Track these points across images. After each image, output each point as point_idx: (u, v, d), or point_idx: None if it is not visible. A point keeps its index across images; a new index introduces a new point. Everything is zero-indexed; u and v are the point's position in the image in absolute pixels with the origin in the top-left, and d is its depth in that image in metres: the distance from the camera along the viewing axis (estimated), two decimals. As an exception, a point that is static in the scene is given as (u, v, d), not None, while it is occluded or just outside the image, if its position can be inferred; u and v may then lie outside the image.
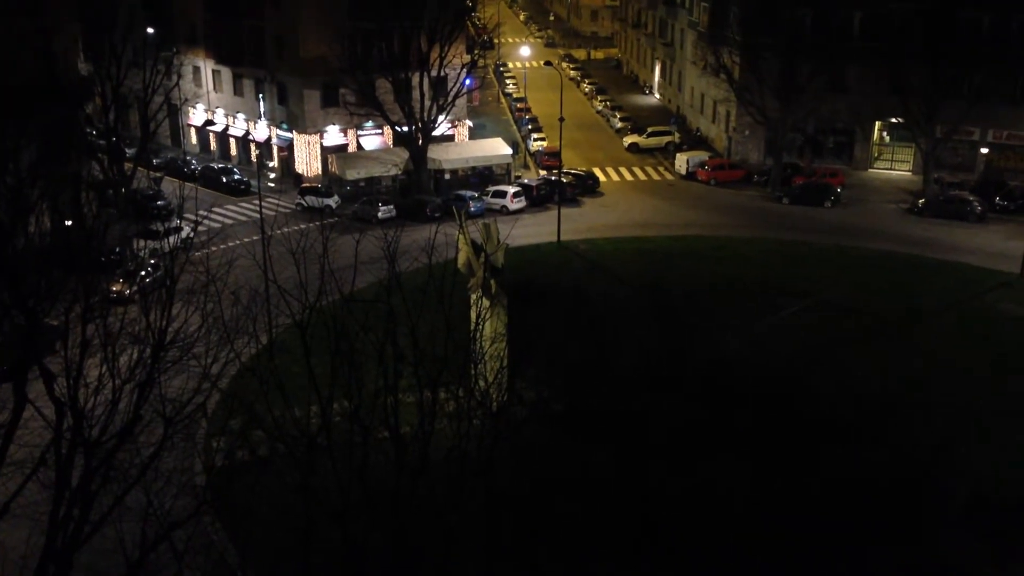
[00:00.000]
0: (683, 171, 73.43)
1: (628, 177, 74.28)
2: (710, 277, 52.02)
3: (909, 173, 72.16)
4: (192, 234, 33.20)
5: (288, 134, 70.45)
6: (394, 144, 69.61)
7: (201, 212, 46.74)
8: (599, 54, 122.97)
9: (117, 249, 48.18)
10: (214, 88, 75.17)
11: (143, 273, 44.25)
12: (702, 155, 74.58)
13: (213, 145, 77.21)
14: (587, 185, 69.01)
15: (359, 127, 70.60)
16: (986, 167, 69.34)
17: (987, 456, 34.62)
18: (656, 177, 74.17)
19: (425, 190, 66.03)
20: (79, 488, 17.34)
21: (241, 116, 73.52)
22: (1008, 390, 39.54)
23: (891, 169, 73.68)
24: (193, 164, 71.71)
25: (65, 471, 17.47)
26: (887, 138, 73.99)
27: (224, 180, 68.42)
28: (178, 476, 19.38)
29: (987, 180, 66.98)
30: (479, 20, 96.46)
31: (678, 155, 75.02)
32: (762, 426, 35.96)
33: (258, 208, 48.71)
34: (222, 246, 48.08)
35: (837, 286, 50.76)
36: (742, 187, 70.72)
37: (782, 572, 28.22)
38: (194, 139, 78.77)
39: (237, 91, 73.50)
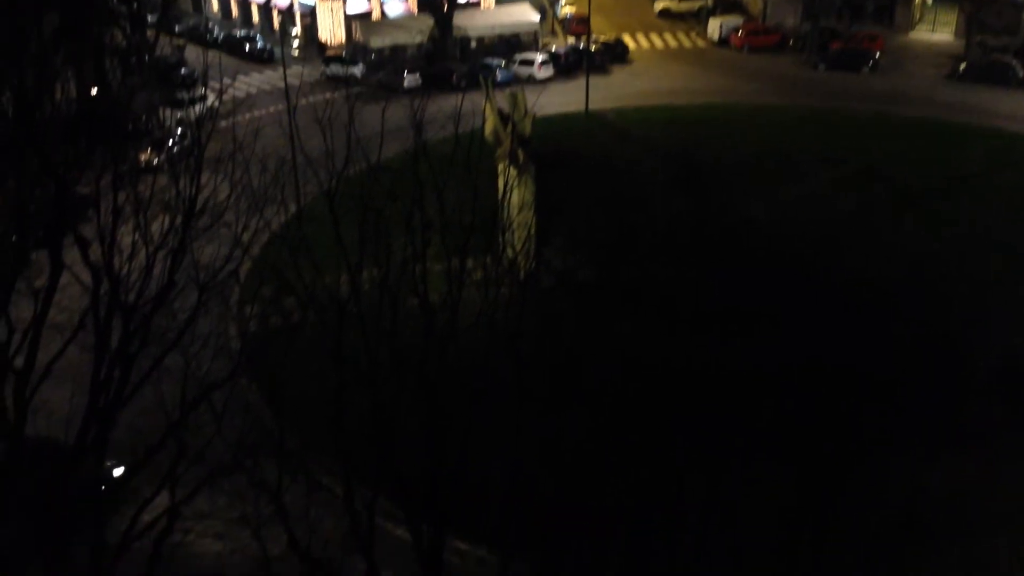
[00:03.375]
0: (716, 37, 71.36)
1: (659, 44, 72.38)
2: (741, 146, 51.28)
3: (951, 37, 69.71)
4: (217, 103, 33.00)
5: (310, 1, 68.91)
6: (419, 11, 68.02)
7: (225, 80, 46.30)
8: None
9: (143, 118, 48.12)
10: (234, -48, 73.45)
11: (171, 142, 44.26)
12: (736, 20, 72.32)
13: (235, 12, 75.77)
14: (616, 53, 67.43)
15: (383, -8, 68.99)
16: (1031, 30, 66.84)
17: (1018, 326, 34.68)
18: (688, 44, 72.20)
19: (451, 58, 64.82)
20: (118, 351, 17.85)
21: (263, -19, 71.96)
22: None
23: (933, 33, 71.17)
24: (215, 31, 70.57)
25: (104, 334, 17.94)
26: (929, 0, 71.24)
27: (247, 48, 67.45)
28: (214, 340, 19.83)
29: (1031, 44, 64.71)
30: None
31: (711, 20, 72.79)
32: (793, 294, 36.11)
33: (282, 77, 48.13)
34: (247, 115, 47.85)
35: (873, 154, 49.91)
36: (777, 53, 68.78)
37: (808, 437, 28.77)
38: (215, 6, 77.29)
39: (258, -46, 71.73)
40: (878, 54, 64.94)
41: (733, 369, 31.20)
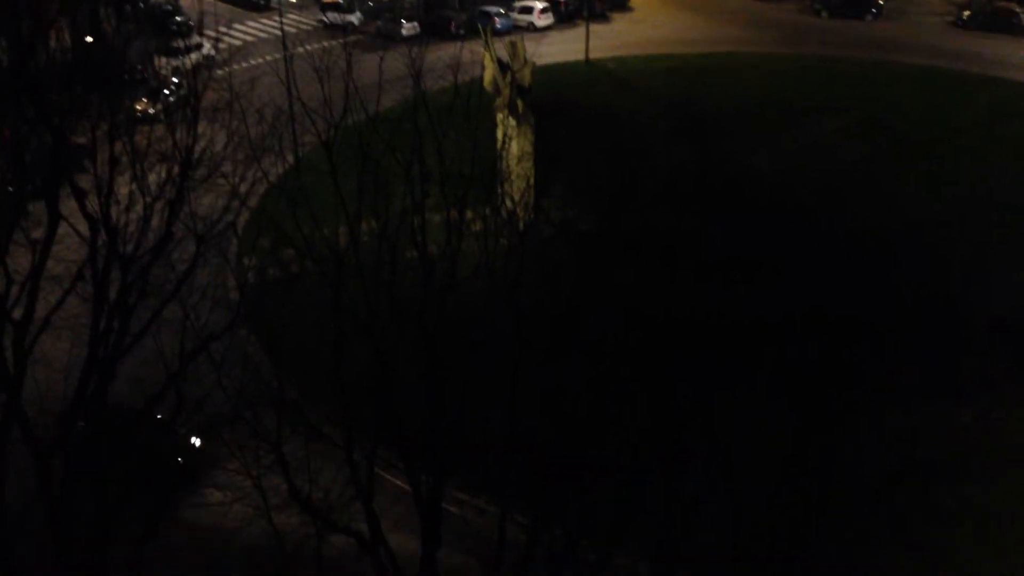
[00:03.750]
0: (718, -17, 70.27)
1: (660, -10, 71.31)
2: (744, 95, 50.81)
3: (956, -16, 68.71)
4: (213, 51, 32.61)
5: (307, -54, 67.84)
6: (417, -44, 66.96)
7: (221, 28, 45.73)
8: None
9: (139, 67, 47.52)
10: None
11: (167, 91, 43.81)
12: (739, -34, 71.18)
13: (230, -42, 74.55)
14: (617, 0, 66.50)
15: (380, -63, 67.82)
16: (1038, -23, 65.81)
17: (1014, 271, 34.71)
18: (690, -10, 71.14)
19: (450, 6, 63.97)
20: (117, 302, 17.84)
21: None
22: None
23: (938, -20, 70.10)
24: (211, -22, 69.48)
25: (103, 285, 17.91)
26: (935, -54, 70.10)
27: (243, -5, 66.51)
28: (212, 291, 19.80)
29: (1038, -9, 63.82)
30: None
31: (713, -34, 71.64)
32: (794, 243, 36.06)
33: (279, 24, 47.55)
34: (244, 64, 47.38)
35: (875, 103, 49.48)
36: (780, 0, 67.84)
37: (808, 385, 28.86)
38: (211, -49, 76.04)
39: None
40: (882, 1, 64.08)
41: (734, 317, 31.17)
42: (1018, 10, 60.42)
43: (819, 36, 60.45)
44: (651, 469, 19.68)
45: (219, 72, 26.26)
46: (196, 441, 23.47)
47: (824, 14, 64.25)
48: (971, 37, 59.20)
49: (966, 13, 61.63)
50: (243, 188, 19.68)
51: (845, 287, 33.72)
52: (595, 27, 58.66)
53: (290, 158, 32.14)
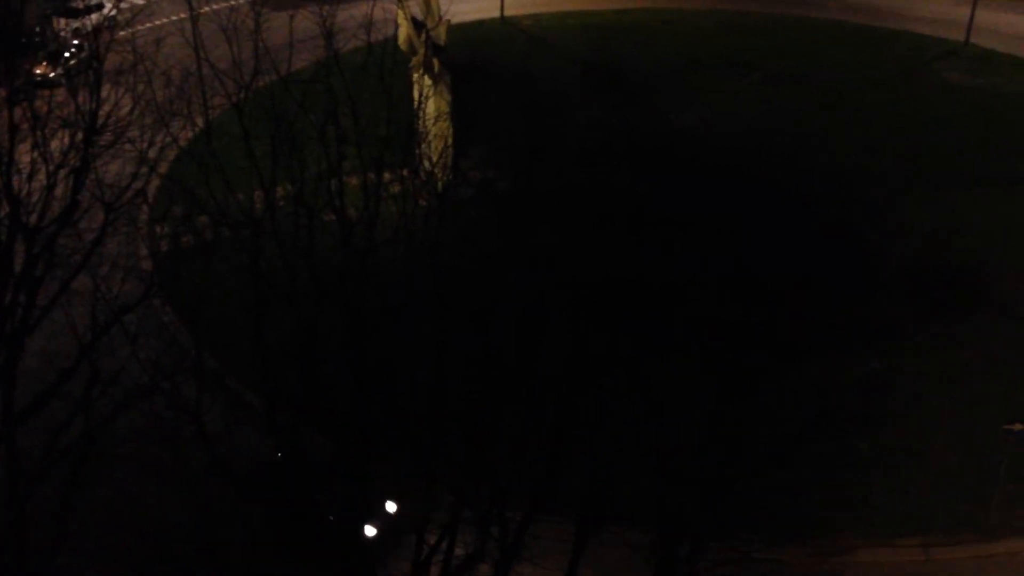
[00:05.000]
0: (632, -61, 70.29)
1: (575, -54, 71.03)
2: (660, 52, 51.02)
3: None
4: (115, 12, 31.48)
5: (211, -100, 65.68)
6: (326, -89, 65.38)
7: (123, -13, 43.99)
8: None
9: (37, 29, 45.66)
10: None
11: (67, 54, 42.20)
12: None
13: (130, -86, 71.75)
14: (532, -45, 66.00)
15: None
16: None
17: (926, 219, 35.87)
18: (604, -55, 71.01)
19: (362, -38, 62.70)
20: (22, 274, 17.27)
21: None
22: (944, 155, 40.45)
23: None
24: (110, -65, 66.87)
25: (6, 257, 17.31)
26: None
27: (146, -47, 64.13)
28: (123, 261, 19.31)
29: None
30: None
31: (627, -79, 71.56)
32: (712, 199, 36.61)
33: (184, -17, 45.99)
34: (148, 24, 45.72)
35: (788, 57, 50.23)
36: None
37: (727, 322, 29.49)
38: (109, -93, 73.07)
39: None
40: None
41: (654, 274, 31.62)
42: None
43: (732, -9, 60.97)
44: (575, 426, 19.94)
45: (122, 33, 25.38)
46: (391, 506, 22.31)
47: (736, -31, 64.77)
48: (878, -8, 60.44)
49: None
50: (152, 154, 19.14)
51: (763, 240, 34.43)
52: (510, -17, 58.18)
53: (200, 122, 31.32)
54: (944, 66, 49.66)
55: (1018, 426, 23.21)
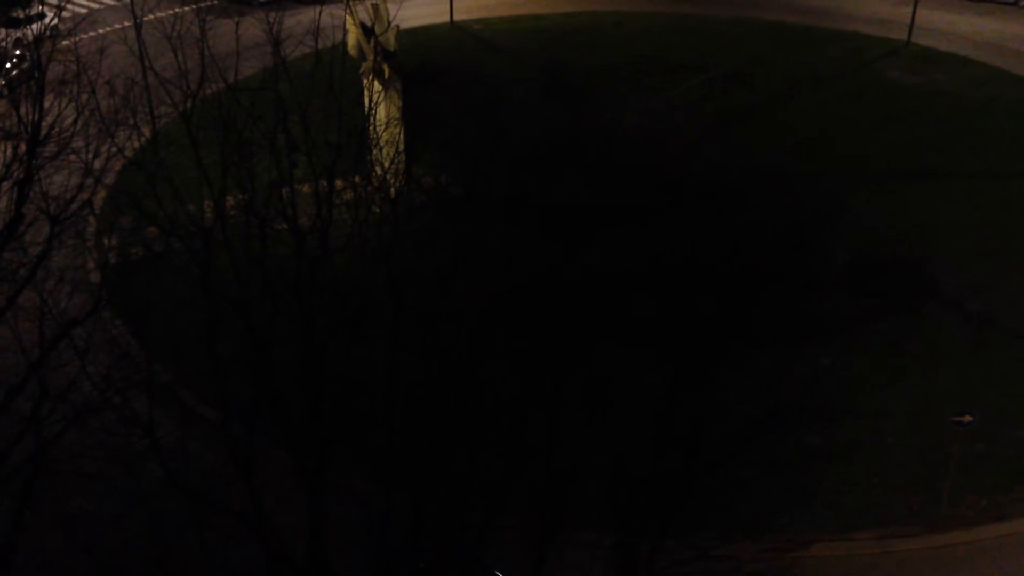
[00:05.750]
0: (578, -58, 70.71)
1: (522, -50, 71.25)
2: (608, 55, 51.41)
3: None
4: (56, 21, 30.91)
5: (153, -94, 64.80)
6: (271, -84, 64.84)
7: (64, -4, 43.28)
8: None
9: (-24, 39, 44.70)
10: None
11: (8, 64, 41.35)
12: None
13: (70, -80, 70.57)
14: (479, -41, 66.09)
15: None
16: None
17: (871, 215, 36.51)
18: (551, -51, 71.31)
19: (308, -33, 62.29)
20: (-34, 291, 16.92)
21: None
22: (890, 152, 41.21)
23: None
24: (50, -58, 65.70)
25: (-52, 274, 16.95)
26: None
27: (87, -40, 63.11)
28: (71, 275, 18.98)
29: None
30: None
31: (573, -75, 72.00)
32: (660, 198, 36.95)
33: (128, -10, 45.33)
34: (91, 33, 45.07)
35: (733, 58, 50.88)
36: (639, -41, 68.76)
37: (676, 320, 29.78)
38: (48, -87, 71.76)
39: None
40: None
41: (607, 272, 31.89)
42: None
43: (678, -6, 61.62)
44: (532, 426, 19.99)
45: (64, 43, 24.94)
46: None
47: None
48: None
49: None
50: (98, 165, 18.81)
51: (710, 238, 34.78)
52: (458, -12, 58.22)
53: (147, 131, 30.90)
54: (886, 65, 50.64)
55: (966, 418, 23.69)
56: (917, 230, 35.76)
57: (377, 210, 19.83)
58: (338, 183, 19.06)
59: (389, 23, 35.48)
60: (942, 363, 29.22)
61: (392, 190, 21.42)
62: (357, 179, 20.17)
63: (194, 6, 23.58)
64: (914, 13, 52.33)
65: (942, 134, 43.12)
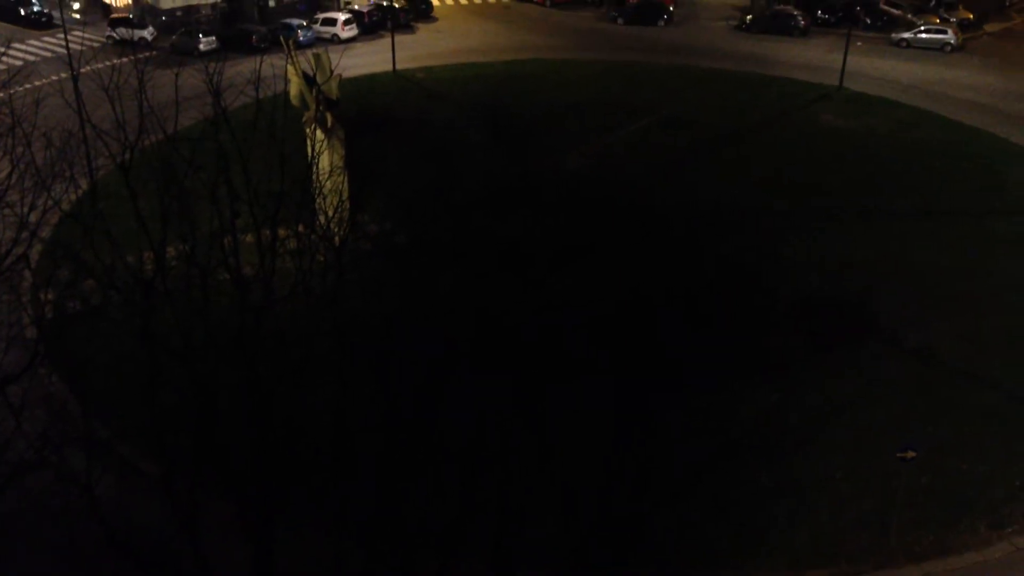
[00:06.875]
0: (518, -8, 71.95)
1: (463, 0, 72.20)
2: (551, 100, 52.11)
3: (738, -11, 73.11)
4: (-9, 73, 30.45)
5: (91, -41, 64.51)
6: (211, -32, 64.92)
7: (-1, 48, 42.65)
8: None
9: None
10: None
11: (-59, 119, 40.50)
12: (537, -25, 73.06)
13: (6, -27, 69.88)
14: (420, 10, 66.86)
15: (171, -50, 65.32)
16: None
17: (812, 254, 37.19)
18: (491, -1, 72.44)
19: (249, 19, 62.39)
20: None
21: (34, -61, 66.52)
22: (826, 193, 42.19)
23: (721, -14, 74.36)
24: (-16, -5, 65.00)
25: None
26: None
27: (22, 12, 62.53)
28: (6, 330, 18.48)
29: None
30: None
31: (512, -25, 73.29)
32: (605, 239, 37.32)
33: (63, 43, 44.91)
34: (26, 85, 44.40)
35: (674, 103, 51.89)
36: (577, 8, 70.11)
37: (624, 362, 29.95)
38: (-18, -33, 71.01)
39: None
40: (672, 8, 67.28)
41: (551, 314, 32.04)
42: (796, 12, 64.81)
43: (617, 42, 62.83)
44: (483, 471, 19.83)
45: (-1, 95, 24.54)
46: None
47: (620, 21, 66.86)
48: (754, 40, 63.12)
49: (748, 17, 65.61)
50: (33, 218, 18.43)
51: (656, 277, 35.18)
52: (400, 38, 58.70)
53: (84, 183, 30.41)
54: (820, 108, 52.05)
55: (910, 453, 23.96)
56: (854, 267, 36.50)
57: (322, 258, 19.67)
58: (281, 232, 18.89)
59: (331, 72, 35.53)
60: (885, 398, 29.67)
61: (336, 238, 21.29)
62: (301, 228, 20.03)
63: (132, 57, 23.36)
64: (844, 59, 53.96)
65: (875, 175, 44.30)
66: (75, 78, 23.62)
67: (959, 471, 26.95)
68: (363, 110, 45.54)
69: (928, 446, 25.68)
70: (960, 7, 66.47)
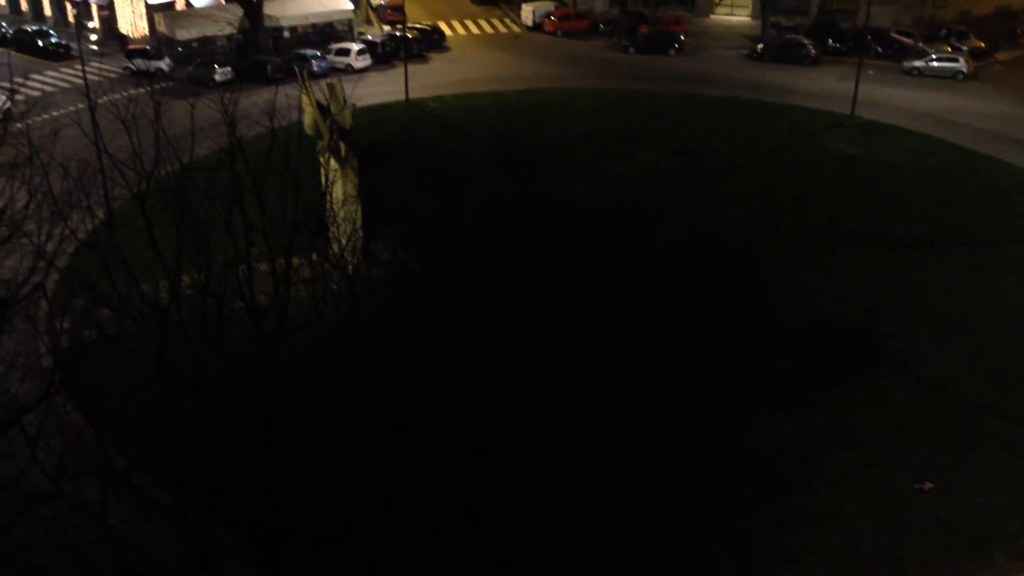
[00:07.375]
0: (530, 22, 72.51)
1: (475, 30, 72.82)
2: (563, 129, 52.35)
3: (748, 18, 73.57)
4: (9, 103, 30.85)
5: (108, -9, 65.37)
6: (226, 0, 65.67)
7: (17, 80, 43.25)
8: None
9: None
10: (19, -59, 68.59)
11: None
12: (548, 5, 73.70)
13: (24, 5, 70.90)
14: (433, 40, 67.37)
15: (186, -18, 66.18)
16: (819, 10, 71.31)
17: (822, 282, 37.11)
18: (503, 29, 73.00)
19: (264, 50, 63.01)
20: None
21: (53, -28, 67.62)
22: (836, 219, 42.16)
23: (731, 15, 74.91)
24: (3, 27, 65.88)
25: None
26: (727, -17, 74.93)
27: (40, 44, 63.32)
28: (22, 360, 18.58)
29: (820, 23, 69.04)
30: None
31: (524, 5, 73.93)
32: (615, 267, 37.36)
33: (81, 74, 45.43)
34: (44, 116, 44.94)
35: (684, 132, 52.04)
36: (589, 37, 70.56)
37: (633, 389, 29.88)
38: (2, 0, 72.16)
39: (46, -57, 67.32)
40: (683, 37, 67.66)
41: (560, 342, 32.07)
42: (806, 41, 65.09)
43: (628, 71, 63.13)
44: (490, 499, 19.80)
45: (17, 125, 24.86)
46: None
47: (631, 50, 67.22)
48: (765, 68, 63.32)
49: (759, 46, 65.89)
50: (50, 247, 18.59)
51: (665, 305, 35.15)
52: (414, 67, 59.13)
53: (101, 213, 30.68)
54: (831, 137, 52.08)
55: (927, 485, 23.62)
56: (867, 295, 36.35)
57: (335, 287, 19.76)
58: (295, 261, 19.01)
59: (345, 102, 35.82)
60: (898, 429, 29.40)
61: (350, 267, 21.40)
62: (315, 256, 20.15)
63: (148, 88, 23.65)
64: (856, 88, 54.05)
65: (886, 202, 44.22)
66: (92, 109, 23.83)
67: (976, 504, 26.64)
68: (376, 139, 45.84)
69: (943, 478, 25.41)
70: (972, 36, 66.59)
